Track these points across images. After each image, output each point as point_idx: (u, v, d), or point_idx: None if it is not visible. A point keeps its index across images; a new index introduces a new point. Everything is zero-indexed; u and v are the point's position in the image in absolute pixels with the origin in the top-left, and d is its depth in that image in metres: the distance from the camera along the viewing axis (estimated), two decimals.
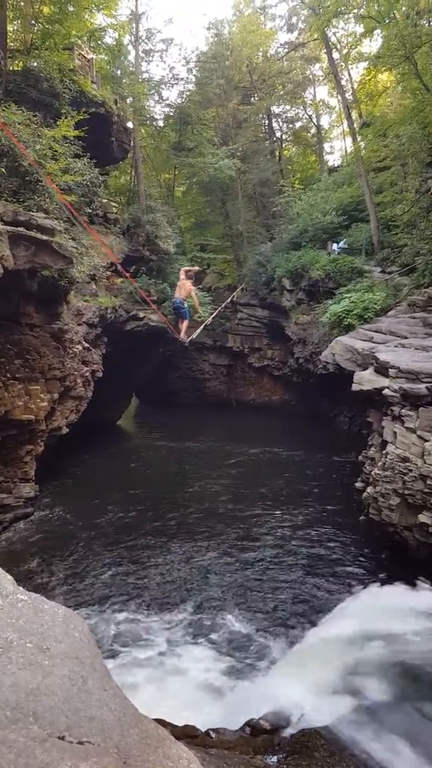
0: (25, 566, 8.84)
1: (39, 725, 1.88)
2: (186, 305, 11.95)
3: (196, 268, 14.28)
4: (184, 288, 11.76)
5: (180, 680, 5.82)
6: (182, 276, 12.17)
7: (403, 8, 16.20)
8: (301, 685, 5.12)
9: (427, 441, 7.33)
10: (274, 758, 3.82)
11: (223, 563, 9.03)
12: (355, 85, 27.38)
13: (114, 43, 23.02)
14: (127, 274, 14.43)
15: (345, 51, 25.75)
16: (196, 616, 7.35)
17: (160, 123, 29.95)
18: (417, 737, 4.33)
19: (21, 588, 2.58)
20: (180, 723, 4.17)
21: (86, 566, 8.98)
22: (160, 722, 2.91)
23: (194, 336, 13.11)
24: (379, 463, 8.26)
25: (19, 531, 10.42)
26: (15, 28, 15.72)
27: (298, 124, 36.73)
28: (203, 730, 4.26)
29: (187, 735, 3.89)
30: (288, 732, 4.28)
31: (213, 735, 4.17)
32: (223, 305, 19.98)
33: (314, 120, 35.69)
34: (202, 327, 13.91)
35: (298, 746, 3.88)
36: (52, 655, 2.20)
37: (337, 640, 5.96)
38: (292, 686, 5.14)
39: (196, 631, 6.94)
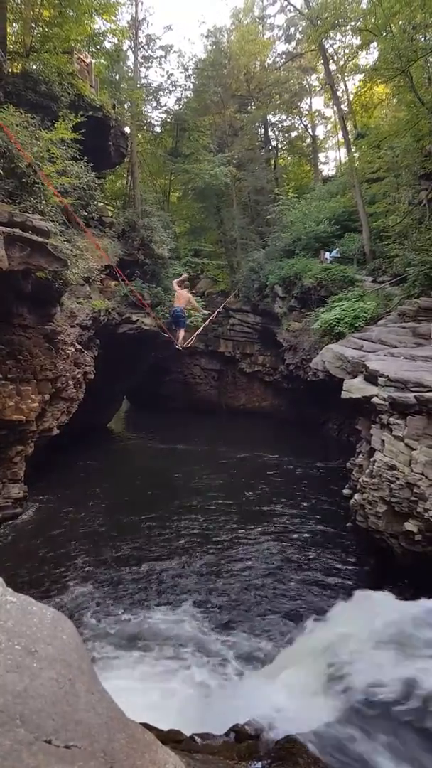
0: (14, 567, 8.79)
1: (26, 728, 1.88)
2: (185, 314, 12.45)
3: (185, 275, 14.69)
4: (183, 297, 12.32)
5: (165, 683, 5.82)
6: (176, 287, 12.67)
7: (400, 22, 16.45)
8: (286, 690, 5.14)
9: (414, 449, 7.42)
10: (259, 764, 3.83)
11: (209, 567, 9.04)
12: (351, 97, 27.77)
13: (113, 48, 23.14)
14: (123, 276, 14.53)
15: (342, 62, 26.15)
16: (180, 619, 7.37)
17: (158, 129, 30.17)
18: (402, 744, 4.37)
19: (10, 589, 2.58)
20: (165, 727, 4.17)
21: (75, 566, 8.96)
22: (145, 726, 2.92)
23: (190, 343, 13.53)
24: (367, 471, 8.33)
25: (7, 531, 10.36)
26: (15, 30, 15.74)
27: (293, 134, 37.16)
28: (188, 735, 4.26)
29: (171, 739, 3.89)
30: (272, 737, 4.29)
31: (198, 740, 4.17)
32: (216, 312, 20.05)
33: (310, 130, 36.14)
34: (196, 334, 14.30)
35: (282, 752, 3.89)
36: (40, 657, 2.20)
37: (322, 646, 5.98)
38: (277, 691, 5.16)
39: (181, 635, 6.95)
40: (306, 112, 35.65)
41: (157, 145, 29.98)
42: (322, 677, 5.22)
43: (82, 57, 18.39)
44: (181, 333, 12.89)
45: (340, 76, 26.52)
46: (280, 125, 36.44)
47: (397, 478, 7.42)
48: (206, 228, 31.49)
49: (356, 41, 23.06)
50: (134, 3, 24.43)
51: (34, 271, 10.28)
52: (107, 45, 22.60)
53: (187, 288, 13.01)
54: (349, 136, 24.00)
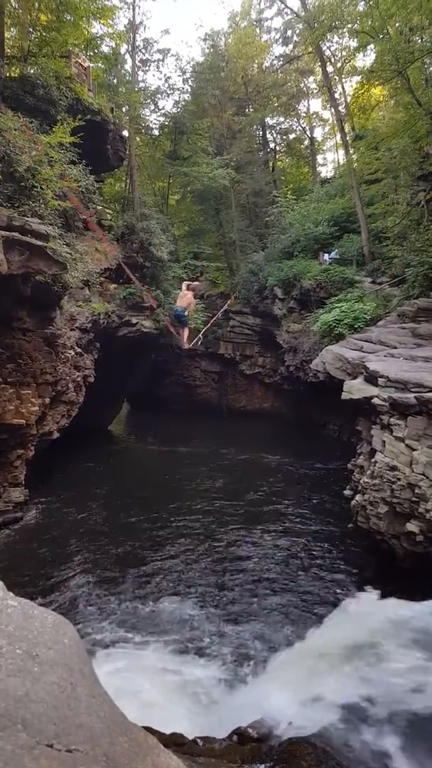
0: (15, 571, 8.77)
1: (28, 733, 1.87)
2: (187, 314, 12.80)
3: (197, 282, 14.99)
4: (186, 298, 12.61)
5: (167, 687, 5.80)
6: (184, 288, 12.97)
7: (397, 24, 16.49)
8: (289, 693, 5.12)
9: (415, 450, 7.41)
10: (262, 767, 3.82)
11: (210, 569, 9.03)
12: (349, 99, 27.82)
13: (111, 52, 23.18)
14: (134, 277, 14.68)
15: (339, 64, 26.20)
16: (182, 623, 7.36)
17: (156, 132, 30.19)
18: (405, 747, 4.35)
19: (11, 593, 2.57)
20: (167, 730, 4.16)
21: (76, 570, 8.94)
22: (147, 729, 2.90)
23: (195, 343, 13.97)
24: (368, 472, 8.32)
25: (8, 535, 10.35)
26: (12, 35, 15.82)
27: (291, 136, 37.21)
28: (190, 738, 4.24)
29: (174, 743, 3.87)
30: (275, 740, 4.27)
31: (200, 743, 4.15)
32: (219, 314, 20.08)
33: (308, 132, 36.17)
34: (200, 335, 14.60)
35: (285, 755, 3.88)
36: (41, 661, 2.20)
37: (324, 649, 5.97)
38: (280, 694, 5.14)
39: (183, 638, 6.94)
40: (304, 115, 35.79)
41: (156, 148, 30.04)
42: (324, 681, 5.20)
43: (79, 61, 18.44)
44: (186, 332, 13.19)
45: (337, 78, 26.55)
46: (278, 127, 36.57)
47: (398, 479, 7.41)
48: (205, 230, 31.54)
49: (353, 43, 23.02)
50: (131, 7, 24.56)
51: (33, 275, 10.30)
52: (105, 49, 22.65)
53: (193, 291, 13.45)
54: (347, 138, 24.04)
